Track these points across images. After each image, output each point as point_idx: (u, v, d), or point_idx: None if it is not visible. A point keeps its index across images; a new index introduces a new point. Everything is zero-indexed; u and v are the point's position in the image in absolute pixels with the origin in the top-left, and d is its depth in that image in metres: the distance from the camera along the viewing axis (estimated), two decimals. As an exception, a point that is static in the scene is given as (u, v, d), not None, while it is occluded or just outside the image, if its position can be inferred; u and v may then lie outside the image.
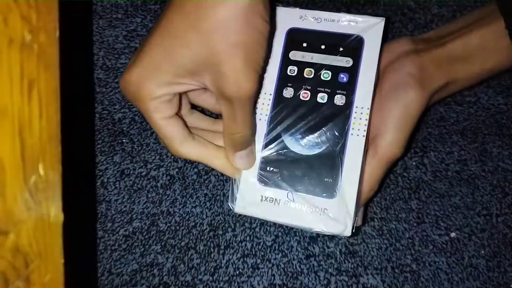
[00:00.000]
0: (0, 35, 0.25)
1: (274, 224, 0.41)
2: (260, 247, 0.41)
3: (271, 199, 0.33)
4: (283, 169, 0.34)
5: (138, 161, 0.43)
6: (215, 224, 0.42)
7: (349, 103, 0.33)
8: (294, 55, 0.35)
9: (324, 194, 0.33)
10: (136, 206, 0.42)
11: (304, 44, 0.35)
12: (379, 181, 0.36)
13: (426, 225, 0.41)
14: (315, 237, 0.41)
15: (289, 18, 0.35)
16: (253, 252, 0.41)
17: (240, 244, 0.41)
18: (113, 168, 0.43)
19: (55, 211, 0.27)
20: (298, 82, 0.34)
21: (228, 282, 0.41)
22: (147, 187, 0.43)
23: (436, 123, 0.42)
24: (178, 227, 0.42)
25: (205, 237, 0.42)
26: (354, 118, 0.33)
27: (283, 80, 0.35)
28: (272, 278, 0.41)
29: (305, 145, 0.33)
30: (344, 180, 0.33)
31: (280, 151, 0.34)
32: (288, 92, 0.34)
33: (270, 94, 0.35)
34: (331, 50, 0.34)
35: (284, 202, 0.33)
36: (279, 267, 0.41)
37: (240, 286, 0.41)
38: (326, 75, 0.34)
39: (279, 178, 0.33)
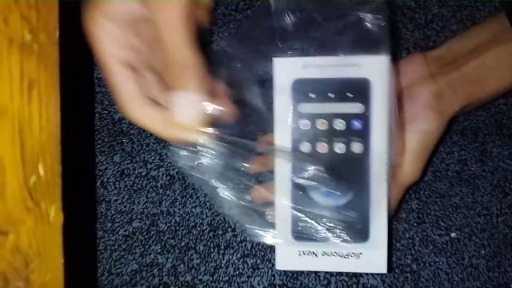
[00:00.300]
0: (0, 35, 0.25)
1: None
2: (260, 247, 0.41)
3: (309, 252, 0.34)
4: (314, 222, 0.34)
5: (138, 161, 0.43)
6: (215, 224, 0.42)
7: (366, 149, 0.33)
8: (304, 107, 0.34)
9: (357, 239, 0.33)
10: (136, 206, 0.42)
11: (312, 95, 0.34)
12: (397, 204, 0.37)
13: (426, 225, 0.41)
14: (315, 237, 0.41)
15: (292, 69, 0.34)
16: (253, 252, 0.41)
17: (240, 244, 0.41)
18: (113, 168, 0.43)
19: (55, 211, 0.27)
20: (313, 135, 0.34)
21: (228, 282, 0.41)
22: (147, 187, 0.43)
23: (436, 123, 0.42)
24: (178, 227, 0.42)
25: (205, 237, 0.42)
26: (374, 163, 0.33)
27: (297, 135, 0.34)
28: (272, 278, 0.41)
29: (332, 196, 0.34)
30: (373, 223, 0.33)
31: (309, 206, 0.34)
32: (305, 147, 0.34)
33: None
34: (340, 97, 0.34)
35: (321, 253, 0.34)
36: (279, 267, 0.41)
37: (240, 286, 0.41)
38: (339, 124, 0.34)
39: (312, 231, 0.34)
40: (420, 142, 0.35)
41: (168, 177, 0.43)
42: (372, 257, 0.33)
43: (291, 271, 0.41)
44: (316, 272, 0.41)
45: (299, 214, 0.34)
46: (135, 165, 0.43)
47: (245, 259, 0.41)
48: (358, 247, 0.33)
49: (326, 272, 0.41)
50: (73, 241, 0.29)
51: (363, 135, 0.33)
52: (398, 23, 0.44)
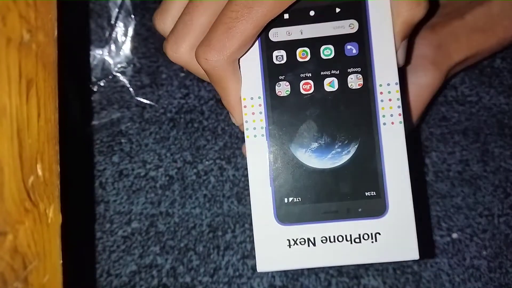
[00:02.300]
0: (-2, 34, 0.25)
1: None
2: (260, 248, 0.41)
3: (303, 240, 0.25)
4: (306, 194, 0.25)
5: (137, 162, 0.43)
6: (215, 225, 0.42)
7: (368, 82, 0.25)
8: (276, 34, 0.25)
9: (370, 214, 0.25)
10: (135, 207, 0.42)
11: (286, 16, 0.25)
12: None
13: (427, 226, 0.41)
14: (315, 238, 0.41)
15: None
16: (253, 254, 0.41)
17: (240, 245, 0.41)
18: (112, 169, 0.43)
19: (53, 212, 0.27)
20: (292, 71, 0.25)
21: (228, 283, 0.41)
22: (146, 187, 0.42)
23: (438, 123, 0.42)
24: (177, 228, 0.42)
25: (205, 238, 0.41)
26: (381, 100, 0.24)
27: (270, 73, 0.25)
28: (272, 279, 0.41)
29: (327, 155, 0.25)
30: (391, 188, 0.25)
31: (296, 172, 0.25)
32: (283, 89, 0.25)
33: (259, 98, 0.25)
34: (325, 15, 0.25)
35: (321, 239, 0.25)
36: (279, 268, 0.41)
37: (240, 287, 0.41)
38: (327, 52, 0.25)
39: (305, 208, 0.25)
40: (415, 96, 0.33)
41: (167, 178, 0.43)
42: (396, 238, 0.24)
43: (291, 272, 0.40)
44: (316, 273, 0.40)
45: (283, 185, 0.25)
46: (134, 165, 0.43)
47: (245, 260, 0.41)
48: (373, 225, 0.24)
49: (327, 274, 0.40)
50: (71, 242, 0.29)
51: (361, 62, 0.25)
52: None
